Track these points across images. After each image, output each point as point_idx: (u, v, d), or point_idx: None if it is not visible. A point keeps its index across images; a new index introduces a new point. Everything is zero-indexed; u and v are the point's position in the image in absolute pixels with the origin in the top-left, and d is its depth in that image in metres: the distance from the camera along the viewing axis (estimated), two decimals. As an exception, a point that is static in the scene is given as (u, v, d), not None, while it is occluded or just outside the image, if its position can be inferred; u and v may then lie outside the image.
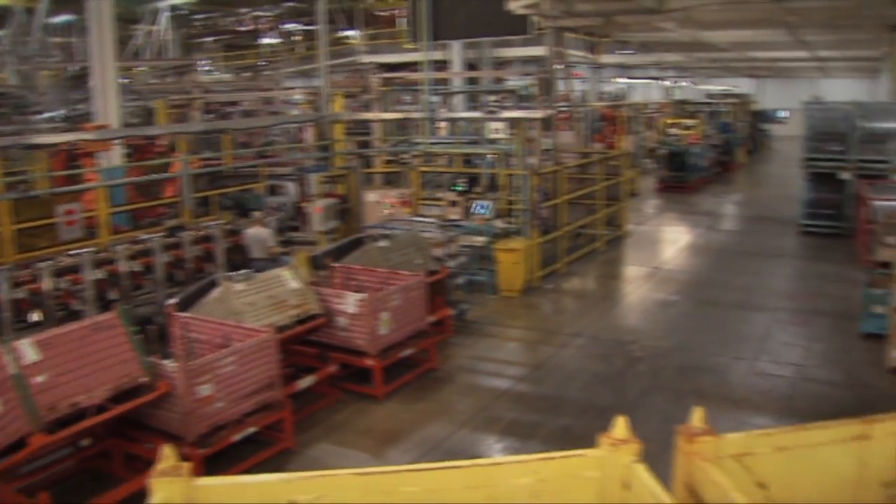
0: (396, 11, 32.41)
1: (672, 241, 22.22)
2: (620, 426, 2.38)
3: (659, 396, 10.87)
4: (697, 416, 2.33)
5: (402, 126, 23.16)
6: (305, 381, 10.26)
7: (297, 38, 41.12)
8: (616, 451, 2.35)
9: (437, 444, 9.56)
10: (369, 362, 10.83)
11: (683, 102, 43.27)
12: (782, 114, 57.22)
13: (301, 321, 10.42)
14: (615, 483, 2.34)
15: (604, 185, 20.43)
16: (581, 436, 9.06)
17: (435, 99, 22.29)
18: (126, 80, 26.15)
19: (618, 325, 14.51)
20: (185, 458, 8.34)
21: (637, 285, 17.17)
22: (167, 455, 2.56)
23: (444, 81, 25.06)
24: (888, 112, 21.65)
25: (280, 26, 40.74)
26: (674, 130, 33.60)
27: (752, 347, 12.99)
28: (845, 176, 21.04)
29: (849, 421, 2.43)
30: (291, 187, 18.32)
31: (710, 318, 14.70)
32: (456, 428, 10.09)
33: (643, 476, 2.24)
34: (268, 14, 39.12)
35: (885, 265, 12.39)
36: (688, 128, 33.81)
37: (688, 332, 13.83)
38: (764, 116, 51.41)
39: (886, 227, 13.24)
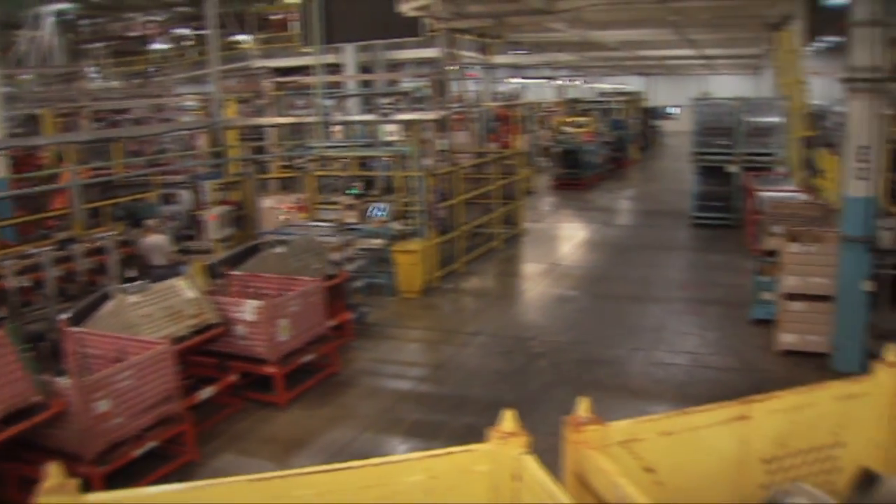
0: (288, 15, 32.04)
1: (569, 237, 22.55)
2: (508, 420, 2.42)
3: (560, 390, 11.02)
4: (584, 407, 2.38)
5: (296, 130, 22.96)
6: (206, 392, 10.08)
7: (188, 43, 40.37)
8: (505, 444, 2.39)
9: (341, 449, 9.52)
10: (270, 370, 10.71)
11: (576, 101, 43.93)
12: (673, 110, 58.64)
13: (199, 331, 10.23)
14: (506, 475, 2.38)
15: (499, 185, 20.61)
16: (485, 433, 9.13)
17: (329, 102, 22.19)
18: (9, 89, 25.29)
19: (517, 322, 14.67)
20: (83, 476, 8.07)
21: (535, 282, 17.38)
22: (53, 473, 2.49)
23: (338, 85, 24.92)
24: (771, 107, 22.41)
25: (170, 31, 39.93)
26: (567, 129, 34.06)
27: (648, 338, 13.28)
28: (732, 169, 21.71)
29: (729, 403, 2.52)
30: (185, 195, 18.00)
31: (608, 312, 14.98)
32: (360, 431, 10.06)
33: (532, 467, 2.28)
34: (157, 19, 38.31)
35: (772, 253, 12.81)
36: (581, 126, 34.33)
37: (586, 326, 14.06)
38: (655, 113, 52.53)
39: (772, 217, 13.69)
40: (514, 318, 15.00)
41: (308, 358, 11.37)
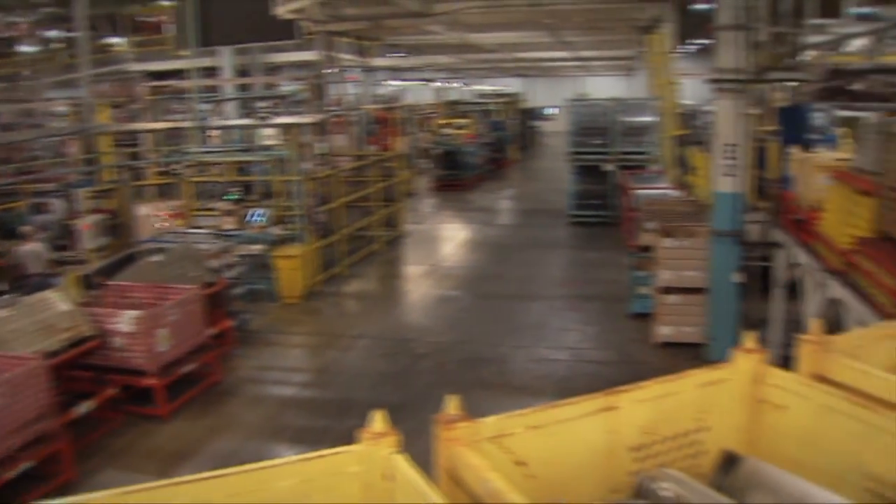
0: (162, 17, 31.31)
1: (450, 238, 22.70)
2: (378, 420, 2.41)
3: (444, 390, 10.93)
4: (453, 404, 2.39)
5: (172, 136, 22.46)
6: (83, 408, 9.74)
7: (58, 45, 39.06)
8: (376, 444, 2.38)
9: (226, 459, 9.35)
10: (150, 381, 10.44)
11: (456, 103, 44.23)
12: (551, 111, 59.59)
13: (73, 345, 9.90)
14: (377, 476, 2.38)
15: (380, 187, 20.59)
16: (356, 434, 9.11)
17: (205, 107, 21.79)
18: None
19: (401, 324, 14.68)
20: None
21: (418, 283, 17.44)
22: None
23: (215, 88, 24.49)
24: (644, 107, 23.01)
25: (38, 33, 38.55)
26: (447, 130, 34.29)
27: (530, 335, 13.46)
28: (608, 167, 22.21)
29: (596, 395, 2.57)
30: (57, 204, 17.41)
31: (490, 310, 15.12)
32: (245, 440, 9.92)
33: (403, 467, 2.28)
34: (24, 20, 36.93)
35: (647, 249, 13.15)
36: (461, 127, 34.60)
37: (469, 326, 14.17)
38: (533, 114, 53.36)
39: (647, 214, 14.05)
40: (397, 319, 15.00)
41: (189, 368, 11.14)
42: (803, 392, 2.70)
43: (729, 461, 2.64)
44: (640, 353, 12.28)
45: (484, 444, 2.41)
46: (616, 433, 2.61)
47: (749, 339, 2.83)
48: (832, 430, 2.60)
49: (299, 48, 22.83)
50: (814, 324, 2.99)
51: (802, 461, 2.67)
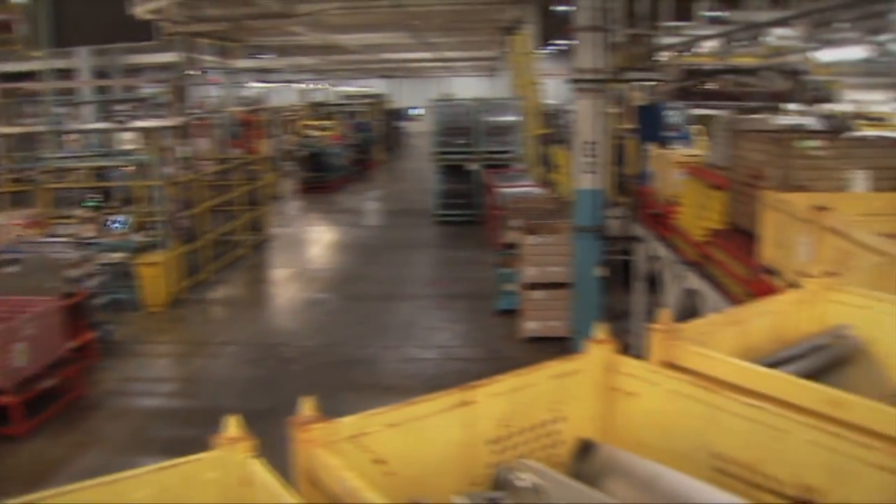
0: (12, 17, 30.08)
1: (317, 240, 22.57)
2: (233, 425, 2.39)
3: (313, 394, 10.90)
4: (308, 406, 2.38)
5: (26, 141, 21.57)
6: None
7: None
8: (232, 450, 2.36)
9: (91, 476, 8.99)
10: (5, 399, 9.99)
11: (321, 104, 43.96)
12: (416, 111, 59.85)
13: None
14: (235, 482, 2.35)
15: (244, 191, 20.30)
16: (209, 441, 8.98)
17: (61, 110, 21.02)
18: None
19: (268, 329, 14.51)
20: None
21: (285, 287, 17.27)
22: None
23: (71, 91, 23.66)
24: (508, 107, 23.37)
25: None
26: (312, 132, 34.05)
27: (399, 335, 13.50)
28: (473, 167, 22.46)
29: (452, 390, 2.60)
30: None
31: (359, 312, 15.09)
32: (111, 456, 9.60)
33: (260, 471, 2.26)
34: None
35: (512, 246, 13.36)
36: (326, 129, 34.42)
37: (338, 328, 14.10)
38: (399, 115, 53.49)
39: (511, 212, 14.28)
40: (265, 324, 14.82)
41: (49, 383, 10.68)
42: (653, 379, 2.79)
43: (584, 449, 2.71)
44: (507, 348, 12.46)
45: (342, 444, 2.40)
46: (473, 427, 2.64)
47: (600, 331, 2.91)
48: (680, 414, 2.69)
49: (159, 50, 22.31)
50: (662, 313, 3.10)
51: (654, 444, 2.77)
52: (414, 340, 13.31)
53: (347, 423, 2.43)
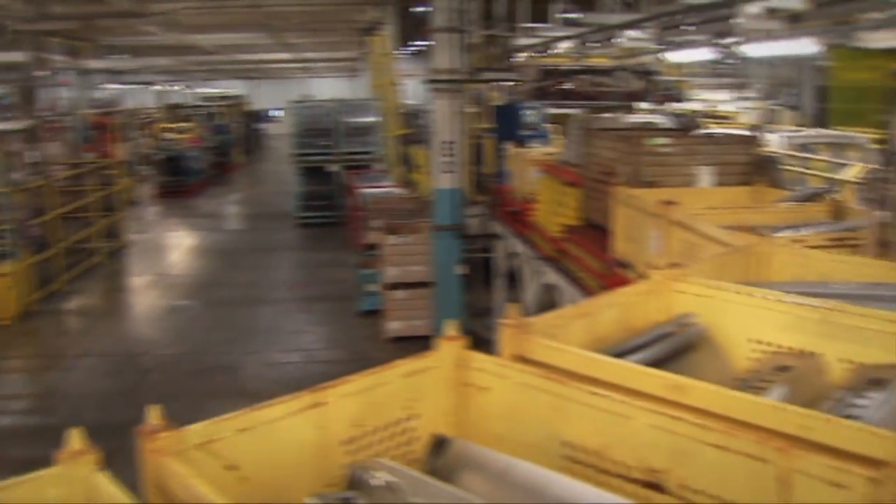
0: None
1: (176, 246, 22.07)
2: (76, 439, 2.32)
3: (176, 403, 10.70)
4: (154, 414, 2.33)
5: None
6: None
7: None
8: (75, 465, 2.29)
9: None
10: None
11: (178, 106, 42.93)
12: (276, 113, 59.13)
13: None
14: (80, 497, 2.28)
15: (99, 196, 19.65)
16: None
17: None
18: None
19: (127, 338, 14.09)
20: None
21: (144, 295, 16.83)
22: None
23: None
24: (368, 107, 23.37)
25: None
26: (170, 135, 33.24)
27: (262, 340, 13.34)
28: (333, 168, 22.39)
29: (303, 392, 2.59)
30: None
31: (221, 318, 14.83)
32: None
33: (106, 485, 2.20)
34: None
35: (373, 247, 13.36)
36: (183, 132, 33.65)
37: (199, 335, 13.83)
38: (258, 117, 52.81)
39: (372, 213, 14.28)
40: (124, 334, 14.40)
41: None
42: (503, 373, 2.84)
43: (438, 444, 2.74)
44: (371, 350, 12.46)
45: (191, 451, 2.36)
46: (326, 428, 2.64)
47: (450, 327, 2.95)
48: (530, 405, 2.75)
49: (4, 48, 21.41)
50: (512, 309, 3.16)
51: (507, 436, 2.82)
52: (277, 345, 13.17)
53: (196, 431, 2.39)
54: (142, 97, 47.53)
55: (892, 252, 5.39)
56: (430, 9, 11.75)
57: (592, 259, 7.91)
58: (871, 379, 3.20)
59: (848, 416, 2.72)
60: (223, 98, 46.00)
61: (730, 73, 25.92)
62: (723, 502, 2.39)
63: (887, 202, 5.64)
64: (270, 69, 50.28)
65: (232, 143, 39.69)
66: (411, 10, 20.04)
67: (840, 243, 5.68)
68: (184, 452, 2.32)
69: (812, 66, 21.30)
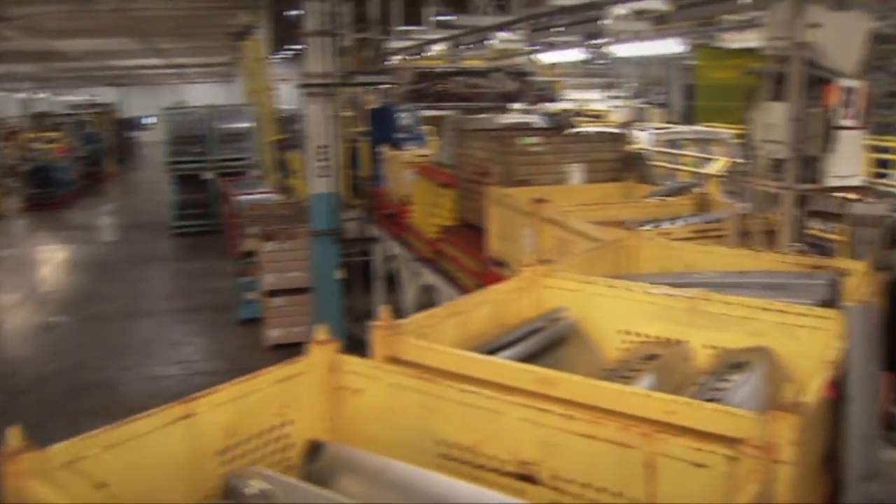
0: None
1: (48, 260, 21.32)
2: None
3: (51, 425, 10.37)
4: (14, 435, 2.25)
5: None
6: None
7: None
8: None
9: None
10: None
11: (45, 115, 41.49)
12: (149, 120, 57.74)
13: None
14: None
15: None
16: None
17: None
18: None
19: (-4, 359, 13.58)
20: None
21: (14, 312, 16.20)
22: None
23: None
24: (242, 113, 23.08)
25: None
26: (36, 145, 32.07)
27: (140, 354, 13.03)
28: (208, 175, 22.02)
29: (173, 404, 2.54)
30: None
31: (96, 333, 14.40)
32: None
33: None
34: None
35: (251, 255, 13.20)
36: (51, 141, 32.54)
37: (75, 352, 13.40)
38: (131, 124, 51.54)
39: (249, 220, 14.09)
40: (-8, 354, 13.86)
41: None
42: (375, 374, 2.86)
43: (312, 449, 2.73)
44: (251, 359, 12.26)
45: (56, 472, 2.29)
46: (198, 439, 2.60)
47: (321, 332, 2.95)
48: (404, 406, 2.77)
49: None
50: (383, 310, 3.17)
51: (382, 438, 2.83)
52: (156, 358, 12.88)
53: (60, 450, 2.33)
54: (5, 106, 45.77)
55: (752, 241, 5.61)
56: (302, 13, 11.69)
57: (468, 259, 7.99)
58: (733, 363, 3.35)
59: (710, 400, 2.82)
60: (93, 106, 44.68)
61: (601, 72, 26.58)
62: (593, 489, 2.45)
63: (747, 194, 5.85)
64: (142, 75, 49.11)
65: (103, 152, 38.57)
66: (285, 13, 19.84)
67: (704, 234, 5.90)
68: (48, 473, 2.25)
69: (679, 66, 22.00)
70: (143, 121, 57.51)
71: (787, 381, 3.06)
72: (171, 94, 49.84)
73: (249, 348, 12.75)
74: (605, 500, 2.44)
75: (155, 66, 39.67)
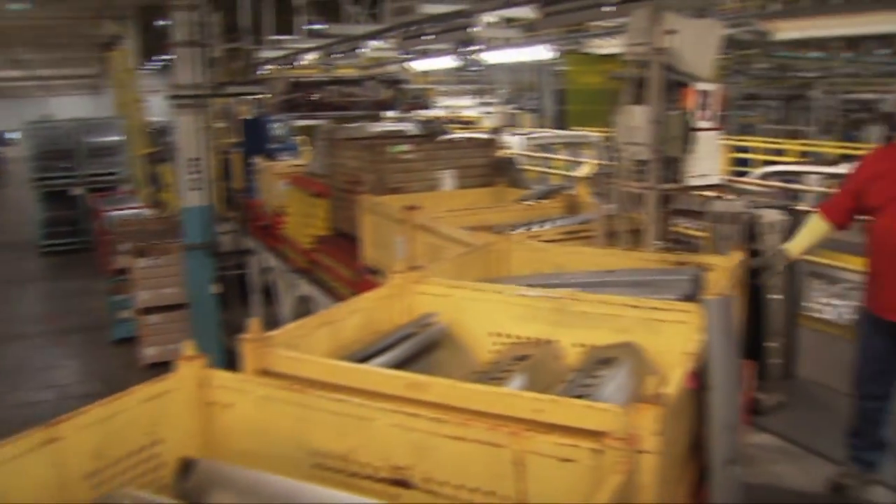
0: None
1: None
2: None
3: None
4: None
5: None
6: None
7: None
8: None
9: None
10: None
11: None
12: (13, 135, 55.54)
13: None
14: None
15: None
16: None
17: None
18: None
19: None
20: None
21: None
22: None
23: None
24: (111, 126, 22.50)
25: None
26: None
27: (9, 380, 12.55)
28: (77, 191, 21.36)
29: (35, 429, 2.48)
30: None
31: (-39, 360, 13.83)
32: None
33: None
34: None
35: (123, 272, 12.89)
36: None
37: (-64, 381, 12.84)
38: (-8, 140, 49.64)
39: (120, 236, 13.76)
40: None
41: None
42: (244, 388, 2.84)
43: (185, 467, 2.70)
44: (127, 379, 11.82)
45: None
46: (64, 464, 2.54)
47: (188, 347, 2.92)
48: (275, 418, 2.77)
49: None
50: (253, 322, 3.16)
51: (255, 452, 2.82)
52: (27, 383, 12.41)
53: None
54: None
55: (619, 241, 5.79)
56: (171, 23, 11.49)
57: (343, 268, 7.99)
58: (601, 359, 3.45)
59: (579, 396, 2.90)
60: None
61: (474, 79, 26.86)
62: (466, 489, 2.50)
63: (613, 195, 6.03)
64: (2, 88, 47.25)
65: (-39, 170, 37.04)
66: (153, 23, 19.42)
67: (573, 236, 6.06)
68: None
69: (550, 71, 22.41)
70: (6, 136, 55.33)
71: (653, 374, 3.17)
72: (37, 108, 48.12)
73: (125, 368, 12.43)
74: (477, 500, 2.48)
75: (16, 79, 38.26)
